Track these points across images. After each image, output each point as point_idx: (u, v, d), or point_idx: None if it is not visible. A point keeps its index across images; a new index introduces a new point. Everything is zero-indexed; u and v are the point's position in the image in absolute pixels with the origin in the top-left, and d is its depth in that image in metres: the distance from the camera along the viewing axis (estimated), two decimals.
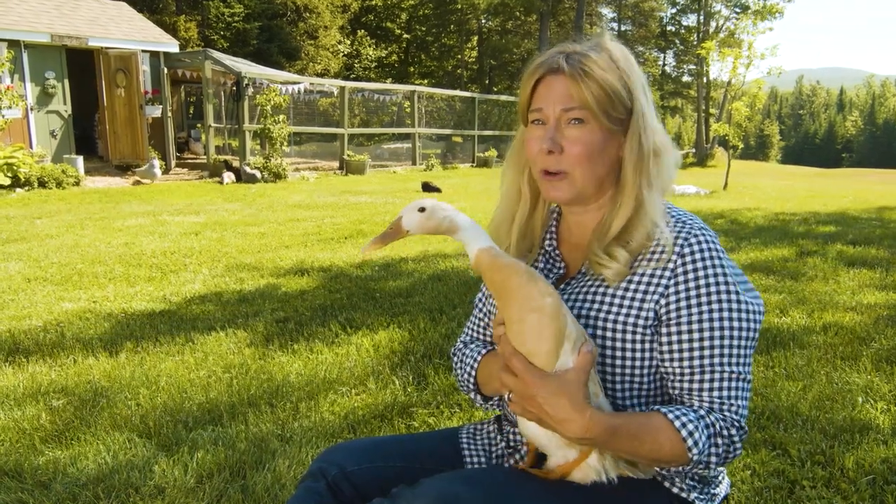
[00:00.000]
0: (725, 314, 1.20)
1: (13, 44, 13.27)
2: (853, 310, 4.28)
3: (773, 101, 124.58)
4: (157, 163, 13.99)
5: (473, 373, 1.43)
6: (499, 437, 1.47)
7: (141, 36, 15.73)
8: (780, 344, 3.62)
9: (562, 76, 1.24)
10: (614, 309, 1.26)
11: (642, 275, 1.25)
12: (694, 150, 37.41)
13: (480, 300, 1.52)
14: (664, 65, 45.55)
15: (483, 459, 1.46)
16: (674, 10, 43.18)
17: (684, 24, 43.12)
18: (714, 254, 1.22)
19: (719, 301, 1.20)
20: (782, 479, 2.28)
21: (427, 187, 13.07)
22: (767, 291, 4.76)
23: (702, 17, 41.10)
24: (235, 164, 15.03)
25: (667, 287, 1.22)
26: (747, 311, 1.21)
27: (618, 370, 1.26)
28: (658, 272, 1.24)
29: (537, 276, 1.15)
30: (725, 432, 1.16)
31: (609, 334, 1.25)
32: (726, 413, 1.18)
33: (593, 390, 1.17)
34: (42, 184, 12.13)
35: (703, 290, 1.20)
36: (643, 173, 1.26)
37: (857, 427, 2.63)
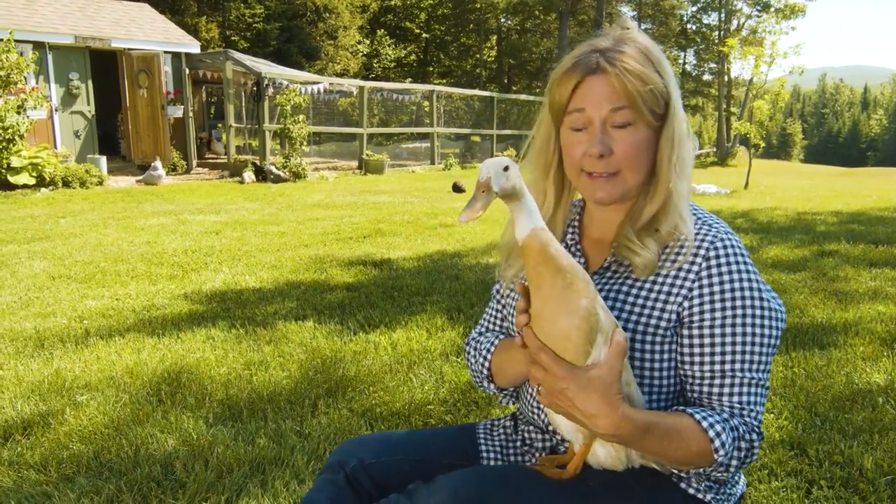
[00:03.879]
0: (748, 320, 1.19)
1: (38, 45, 13.48)
2: (875, 310, 4.23)
3: (796, 99, 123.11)
4: (159, 164, 13.93)
5: (486, 363, 1.43)
6: (515, 435, 1.48)
7: (163, 37, 15.92)
8: (801, 344, 3.59)
9: (603, 76, 1.21)
10: (637, 309, 1.25)
11: (665, 276, 1.24)
12: (715, 149, 37.04)
13: (498, 291, 1.50)
14: (684, 63, 45.15)
15: (499, 456, 1.46)
16: (694, 9, 42.81)
17: (705, 22, 42.77)
18: (740, 259, 1.22)
19: (743, 307, 1.19)
20: (800, 478, 2.27)
21: (457, 188, 13.09)
22: (788, 291, 4.72)
23: (723, 15, 40.74)
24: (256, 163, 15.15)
25: (690, 290, 1.22)
26: (771, 318, 1.21)
27: (636, 370, 1.25)
28: (682, 274, 1.23)
29: (579, 274, 1.10)
30: (747, 436, 1.17)
31: (629, 334, 1.24)
32: (746, 418, 1.18)
33: (626, 379, 1.14)
34: (66, 183, 12.32)
35: (727, 296, 1.20)
36: (674, 162, 1.26)
37: (876, 428, 2.61)
